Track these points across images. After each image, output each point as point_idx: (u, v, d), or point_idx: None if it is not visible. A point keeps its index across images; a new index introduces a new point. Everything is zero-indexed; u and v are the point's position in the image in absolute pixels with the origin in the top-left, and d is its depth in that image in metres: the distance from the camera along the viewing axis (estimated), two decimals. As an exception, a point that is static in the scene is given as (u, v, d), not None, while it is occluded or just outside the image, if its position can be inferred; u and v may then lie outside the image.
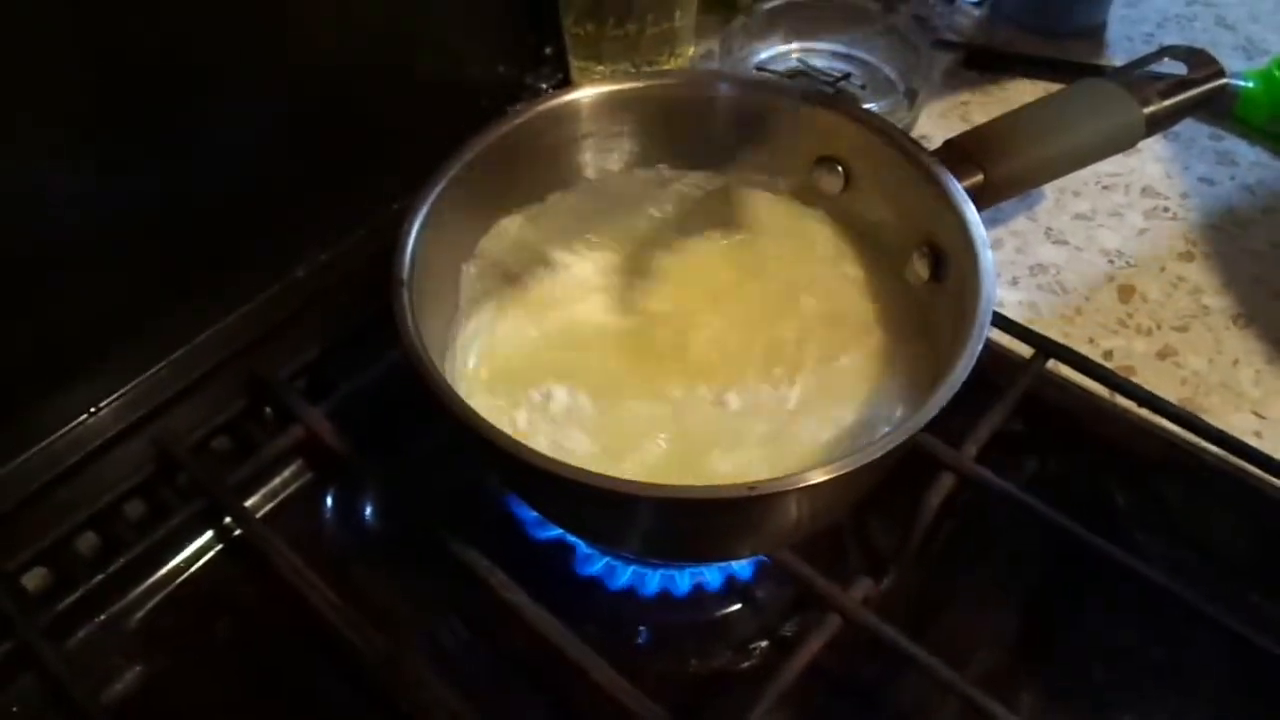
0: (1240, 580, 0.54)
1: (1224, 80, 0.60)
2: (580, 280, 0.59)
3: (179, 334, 0.59)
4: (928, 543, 0.54)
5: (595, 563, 0.54)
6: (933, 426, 0.43)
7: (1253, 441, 0.56)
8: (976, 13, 0.90)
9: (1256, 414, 0.62)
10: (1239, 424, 0.61)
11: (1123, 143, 0.59)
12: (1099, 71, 0.80)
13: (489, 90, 0.68)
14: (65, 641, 0.53)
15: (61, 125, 0.49)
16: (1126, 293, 0.69)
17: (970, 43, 0.88)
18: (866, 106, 0.58)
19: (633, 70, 0.77)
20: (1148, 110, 0.58)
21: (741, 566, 0.54)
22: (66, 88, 0.48)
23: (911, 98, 0.77)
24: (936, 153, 0.54)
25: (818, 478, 0.41)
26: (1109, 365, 0.61)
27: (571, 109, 0.58)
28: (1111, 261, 0.71)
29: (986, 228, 0.49)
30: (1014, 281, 0.70)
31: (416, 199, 0.51)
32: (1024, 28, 0.89)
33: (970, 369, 0.44)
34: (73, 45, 0.47)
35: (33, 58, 0.46)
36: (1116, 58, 0.86)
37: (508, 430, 0.44)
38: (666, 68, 0.79)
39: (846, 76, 0.81)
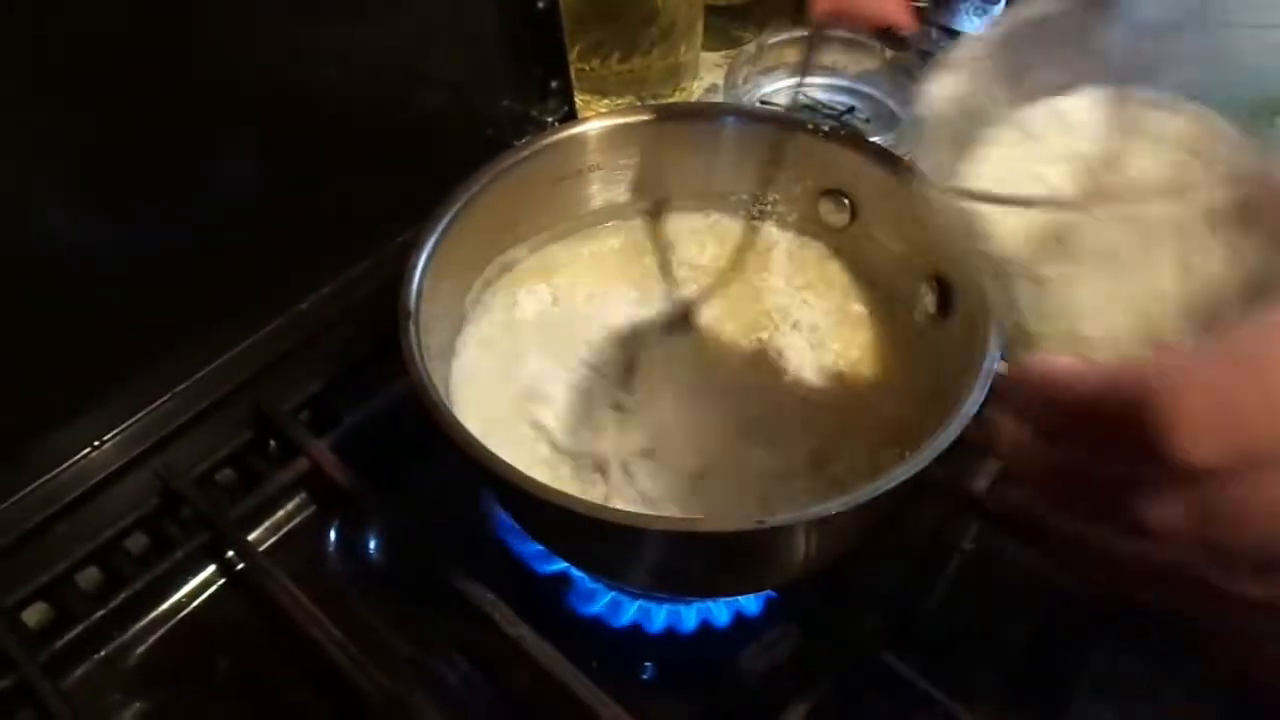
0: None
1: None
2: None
3: (183, 367, 0.59)
4: (937, 578, 0.53)
5: (601, 598, 0.53)
6: (943, 459, 0.42)
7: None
8: (979, 48, 0.90)
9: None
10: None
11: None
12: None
13: (495, 124, 0.69)
14: (64, 678, 0.52)
15: (67, 163, 0.49)
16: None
17: (973, 77, 0.88)
18: (872, 139, 0.58)
19: (638, 104, 0.77)
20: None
21: (749, 602, 0.53)
22: (72, 128, 0.48)
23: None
24: (943, 185, 0.54)
25: (827, 510, 0.40)
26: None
27: (578, 142, 0.58)
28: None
29: (993, 260, 0.49)
30: (1021, 314, 0.69)
31: (423, 232, 0.52)
32: (1026, 62, 0.89)
33: (981, 401, 0.43)
34: (77, 85, 0.47)
35: (40, 98, 0.47)
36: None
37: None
38: (671, 101, 0.79)
39: (851, 110, 0.81)
